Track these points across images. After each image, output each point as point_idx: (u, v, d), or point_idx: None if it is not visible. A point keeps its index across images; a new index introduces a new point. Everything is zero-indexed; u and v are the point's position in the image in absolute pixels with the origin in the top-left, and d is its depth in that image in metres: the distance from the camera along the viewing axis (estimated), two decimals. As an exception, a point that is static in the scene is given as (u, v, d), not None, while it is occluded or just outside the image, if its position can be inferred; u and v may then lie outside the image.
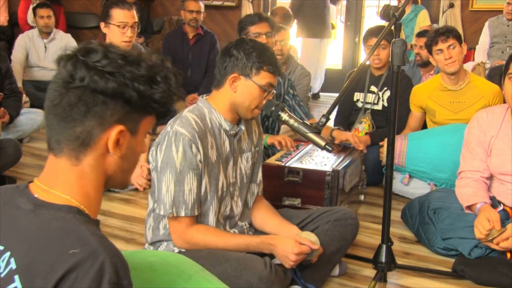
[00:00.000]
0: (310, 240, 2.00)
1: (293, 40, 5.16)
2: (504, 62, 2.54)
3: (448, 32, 3.25)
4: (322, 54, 6.51)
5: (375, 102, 3.77)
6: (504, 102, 2.75)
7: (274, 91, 2.05)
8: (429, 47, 3.32)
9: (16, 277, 0.96)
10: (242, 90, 1.97)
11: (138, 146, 1.12)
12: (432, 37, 3.29)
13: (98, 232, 1.02)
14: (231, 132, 2.03)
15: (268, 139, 2.99)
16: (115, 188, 1.15)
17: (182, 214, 1.91)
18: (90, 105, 1.02)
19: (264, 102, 2.01)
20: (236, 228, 2.13)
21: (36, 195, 1.05)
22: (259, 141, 2.22)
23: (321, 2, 6.30)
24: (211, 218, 2.01)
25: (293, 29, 6.09)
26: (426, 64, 4.43)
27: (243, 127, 2.07)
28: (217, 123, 2.00)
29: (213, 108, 2.00)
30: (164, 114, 1.11)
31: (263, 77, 1.96)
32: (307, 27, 6.32)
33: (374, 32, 3.74)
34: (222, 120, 2.00)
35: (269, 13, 5.53)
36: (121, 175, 1.13)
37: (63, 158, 1.06)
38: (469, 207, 2.56)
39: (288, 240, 1.96)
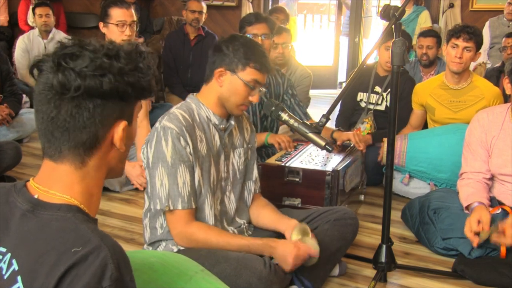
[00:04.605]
0: (311, 247, 1.99)
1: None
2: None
3: (473, 34, 3.22)
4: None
5: (379, 102, 3.77)
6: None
7: (263, 89, 2.05)
8: (449, 37, 3.28)
9: (19, 278, 0.97)
10: (228, 85, 1.99)
11: (134, 132, 1.15)
12: (457, 30, 3.25)
13: (98, 230, 1.02)
14: (221, 126, 2.05)
15: (270, 138, 2.99)
16: (112, 178, 1.16)
17: (179, 207, 1.92)
18: (91, 111, 1.03)
19: (251, 99, 2.01)
20: (234, 226, 2.13)
21: (36, 196, 1.05)
22: (251, 138, 2.23)
23: None
24: (207, 212, 2.01)
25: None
26: (431, 64, 4.41)
27: (233, 122, 2.09)
28: (205, 117, 2.02)
29: (201, 103, 2.03)
30: (149, 95, 1.14)
31: (249, 74, 1.97)
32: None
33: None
34: (211, 114, 2.02)
35: (261, 11, 5.61)
36: (120, 165, 1.15)
37: (66, 164, 1.06)
38: (467, 207, 2.56)
39: (288, 243, 1.96)
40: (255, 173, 2.24)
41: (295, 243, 1.96)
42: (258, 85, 2.00)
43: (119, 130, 1.08)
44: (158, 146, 1.92)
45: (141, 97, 1.11)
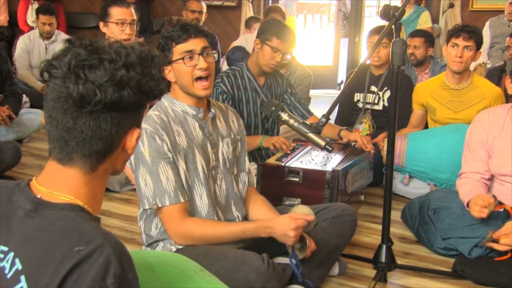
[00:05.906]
0: (305, 213, 2.01)
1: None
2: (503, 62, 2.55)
3: (473, 33, 3.21)
4: None
5: (376, 102, 3.77)
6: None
7: (214, 54, 2.06)
8: (449, 36, 3.28)
9: (22, 277, 0.97)
10: (176, 75, 2.05)
11: (140, 134, 1.15)
12: (457, 30, 3.25)
13: (101, 228, 1.02)
14: (199, 115, 2.07)
15: (264, 142, 2.98)
16: (112, 174, 1.16)
17: (167, 203, 1.93)
18: (108, 123, 1.03)
19: (197, 67, 2.00)
20: (229, 216, 2.12)
21: (39, 196, 1.04)
22: (240, 130, 2.24)
23: None
24: (199, 203, 2.02)
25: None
26: (420, 64, 4.46)
27: (213, 110, 2.12)
28: (180, 112, 2.06)
29: (174, 99, 2.07)
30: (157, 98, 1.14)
31: (177, 51, 2.01)
32: None
33: (377, 30, 3.76)
34: (185, 106, 2.06)
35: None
36: (124, 165, 1.16)
37: (75, 169, 1.06)
38: (468, 204, 2.56)
39: (283, 218, 1.97)
40: (247, 164, 2.25)
41: (289, 216, 1.97)
42: (194, 53, 2.01)
43: (133, 138, 1.09)
44: (136, 148, 1.93)
45: (152, 101, 1.12)
